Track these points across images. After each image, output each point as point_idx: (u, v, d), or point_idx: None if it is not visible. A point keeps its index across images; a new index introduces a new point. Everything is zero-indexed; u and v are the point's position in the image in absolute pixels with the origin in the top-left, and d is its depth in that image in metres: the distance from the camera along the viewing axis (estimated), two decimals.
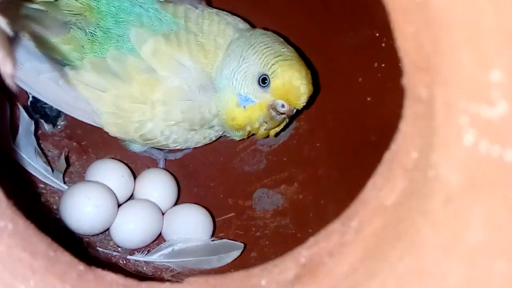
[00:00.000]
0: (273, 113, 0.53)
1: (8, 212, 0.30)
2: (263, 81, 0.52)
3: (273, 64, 0.51)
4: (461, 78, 0.20)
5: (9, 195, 0.33)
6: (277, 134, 0.61)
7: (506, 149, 0.19)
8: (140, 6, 0.54)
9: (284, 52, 0.52)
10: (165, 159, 0.67)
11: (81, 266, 0.32)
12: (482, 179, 0.20)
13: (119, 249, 0.59)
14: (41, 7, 0.51)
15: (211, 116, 0.55)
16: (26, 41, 0.51)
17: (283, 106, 0.53)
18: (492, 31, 0.19)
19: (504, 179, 0.19)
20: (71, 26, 0.52)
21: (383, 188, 0.31)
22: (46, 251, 0.31)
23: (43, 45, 0.51)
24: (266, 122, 0.54)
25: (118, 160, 0.63)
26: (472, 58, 0.20)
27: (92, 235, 0.58)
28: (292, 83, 0.51)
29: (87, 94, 0.53)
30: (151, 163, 0.67)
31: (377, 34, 0.57)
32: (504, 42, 0.18)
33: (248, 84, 0.52)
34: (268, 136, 0.60)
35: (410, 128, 0.29)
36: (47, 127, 0.62)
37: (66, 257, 0.32)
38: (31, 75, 0.53)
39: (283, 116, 0.54)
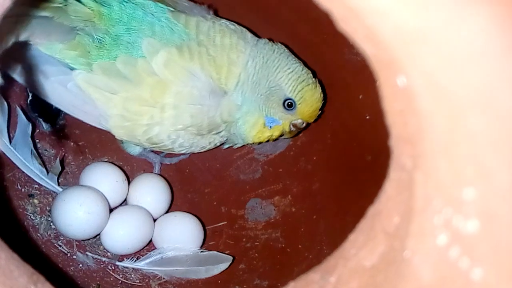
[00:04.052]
0: (293, 128, 0.58)
1: None
2: (289, 105, 0.56)
3: (299, 91, 0.55)
4: (438, 182, 0.20)
5: None
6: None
7: (474, 267, 0.19)
8: (152, 15, 0.54)
9: (304, 74, 0.56)
10: (160, 163, 0.68)
11: None
12: (450, 286, 0.20)
13: (109, 254, 0.60)
14: (47, 14, 0.51)
15: (221, 122, 0.56)
16: (35, 45, 0.51)
17: (303, 123, 0.58)
18: (469, 148, 0.18)
19: None
20: (78, 32, 0.52)
21: (364, 247, 0.31)
22: (26, 285, 0.31)
23: (50, 51, 0.51)
24: (283, 135, 0.59)
25: (114, 164, 0.63)
26: (448, 169, 0.19)
27: (83, 240, 0.59)
28: (315, 106, 0.57)
29: (96, 96, 0.53)
30: (147, 166, 0.68)
31: None
32: (480, 160, 0.18)
33: (275, 107, 0.56)
34: (268, 141, 0.61)
35: (394, 192, 0.29)
36: (45, 126, 0.62)
37: None
38: (40, 78, 0.53)
39: (300, 129, 0.60)
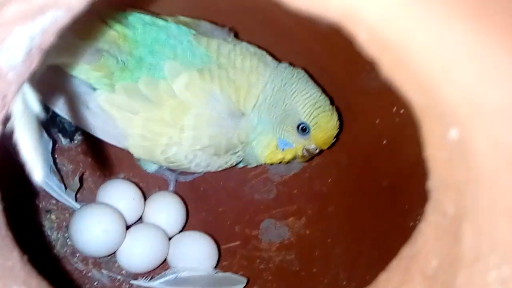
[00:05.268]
0: (306, 153, 0.58)
1: (22, 274, 0.30)
2: (303, 129, 0.56)
3: (315, 116, 0.55)
4: (495, 239, 0.20)
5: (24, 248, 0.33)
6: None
7: None
8: (175, 37, 0.54)
9: (321, 100, 0.56)
10: (176, 181, 0.68)
11: None
12: None
13: (123, 272, 0.60)
14: (77, 35, 0.51)
15: (238, 143, 0.56)
16: (58, 66, 0.51)
17: (316, 149, 0.58)
18: None
19: None
20: (103, 53, 0.52)
21: None
22: None
23: (75, 71, 0.52)
24: (296, 158, 0.59)
25: (130, 181, 0.63)
26: (511, 230, 0.19)
27: (99, 257, 0.59)
28: (330, 133, 0.57)
29: (117, 116, 0.53)
30: (162, 183, 0.68)
31: None
32: None
33: (289, 129, 0.56)
34: (280, 163, 0.61)
35: (432, 235, 0.29)
36: (64, 141, 0.63)
37: None
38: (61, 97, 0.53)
39: (313, 155, 0.60)
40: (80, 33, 0.51)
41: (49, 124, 0.61)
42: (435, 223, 0.29)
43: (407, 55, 0.24)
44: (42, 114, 0.25)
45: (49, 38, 0.24)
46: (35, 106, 0.25)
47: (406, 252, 0.32)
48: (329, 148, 0.60)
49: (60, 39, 0.49)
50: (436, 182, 0.28)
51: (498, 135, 0.19)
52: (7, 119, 0.24)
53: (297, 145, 0.57)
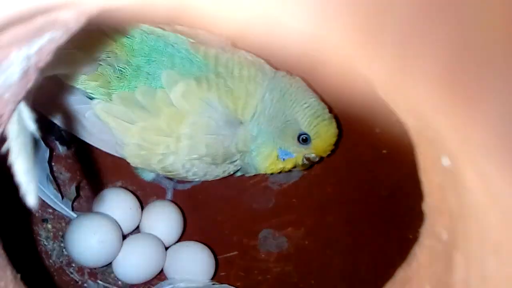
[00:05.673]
0: (306, 162, 0.58)
1: None
2: (304, 139, 0.56)
3: (315, 126, 0.55)
4: (483, 275, 0.20)
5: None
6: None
7: None
8: (173, 46, 0.54)
9: (320, 109, 0.56)
10: (173, 189, 0.67)
11: None
12: None
13: (119, 282, 0.59)
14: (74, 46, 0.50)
15: (236, 152, 0.55)
16: (55, 75, 0.51)
17: (316, 157, 0.58)
18: None
19: None
20: (100, 63, 0.51)
21: None
22: None
23: (72, 81, 0.51)
24: (296, 167, 0.59)
25: (127, 189, 0.63)
26: (498, 270, 0.19)
27: (95, 267, 0.58)
28: (330, 142, 0.57)
29: (114, 125, 0.53)
30: (160, 191, 0.67)
31: None
32: None
33: (289, 140, 0.56)
34: (280, 172, 0.61)
35: (426, 260, 0.29)
36: (61, 149, 0.62)
37: None
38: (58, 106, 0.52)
39: (313, 163, 0.59)
40: (77, 43, 0.50)
41: (47, 131, 0.60)
42: (429, 247, 0.28)
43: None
44: (37, 133, 0.25)
45: (46, 56, 0.23)
46: (31, 124, 0.24)
47: (401, 275, 0.32)
48: (328, 156, 0.60)
49: (58, 50, 0.49)
50: (430, 205, 0.27)
51: (485, 170, 0.19)
52: (2, 140, 0.24)
53: (298, 155, 0.57)
